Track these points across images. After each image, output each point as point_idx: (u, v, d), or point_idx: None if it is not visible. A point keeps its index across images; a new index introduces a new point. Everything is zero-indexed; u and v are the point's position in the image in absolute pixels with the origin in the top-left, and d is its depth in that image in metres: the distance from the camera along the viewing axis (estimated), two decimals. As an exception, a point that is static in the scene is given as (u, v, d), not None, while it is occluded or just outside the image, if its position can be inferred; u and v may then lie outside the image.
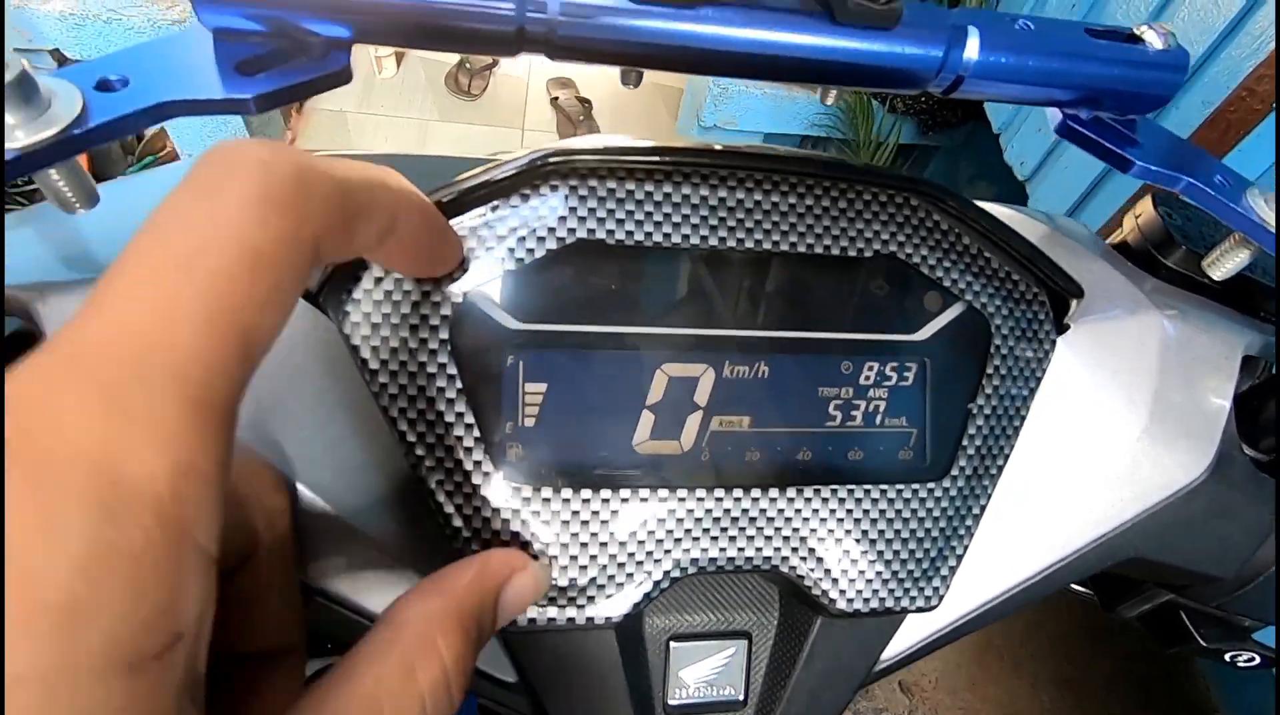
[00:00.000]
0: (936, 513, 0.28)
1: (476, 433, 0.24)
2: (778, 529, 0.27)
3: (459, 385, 0.24)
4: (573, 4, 0.23)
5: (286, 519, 0.20)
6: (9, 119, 0.18)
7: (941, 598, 0.28)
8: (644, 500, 0.25)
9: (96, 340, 0.11)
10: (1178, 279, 0.36)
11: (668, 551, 0.26)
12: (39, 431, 0.11)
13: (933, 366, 0.28)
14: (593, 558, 0.25)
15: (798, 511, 0.27)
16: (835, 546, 0.27)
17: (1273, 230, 0.28)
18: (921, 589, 0.28)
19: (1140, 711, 1.31)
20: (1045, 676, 1.32)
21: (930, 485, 0.28)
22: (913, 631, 0.30)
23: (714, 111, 1.72)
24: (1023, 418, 0.29)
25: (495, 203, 0.24)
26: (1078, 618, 1.38)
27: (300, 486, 0.23)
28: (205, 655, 0.13)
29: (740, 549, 0.26)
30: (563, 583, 0.25)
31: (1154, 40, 0.27)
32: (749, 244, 0.26)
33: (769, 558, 0.27)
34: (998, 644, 1.34)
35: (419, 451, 0.24)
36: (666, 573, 0.26)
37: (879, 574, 0.28)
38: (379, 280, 0.23)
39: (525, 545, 0.25)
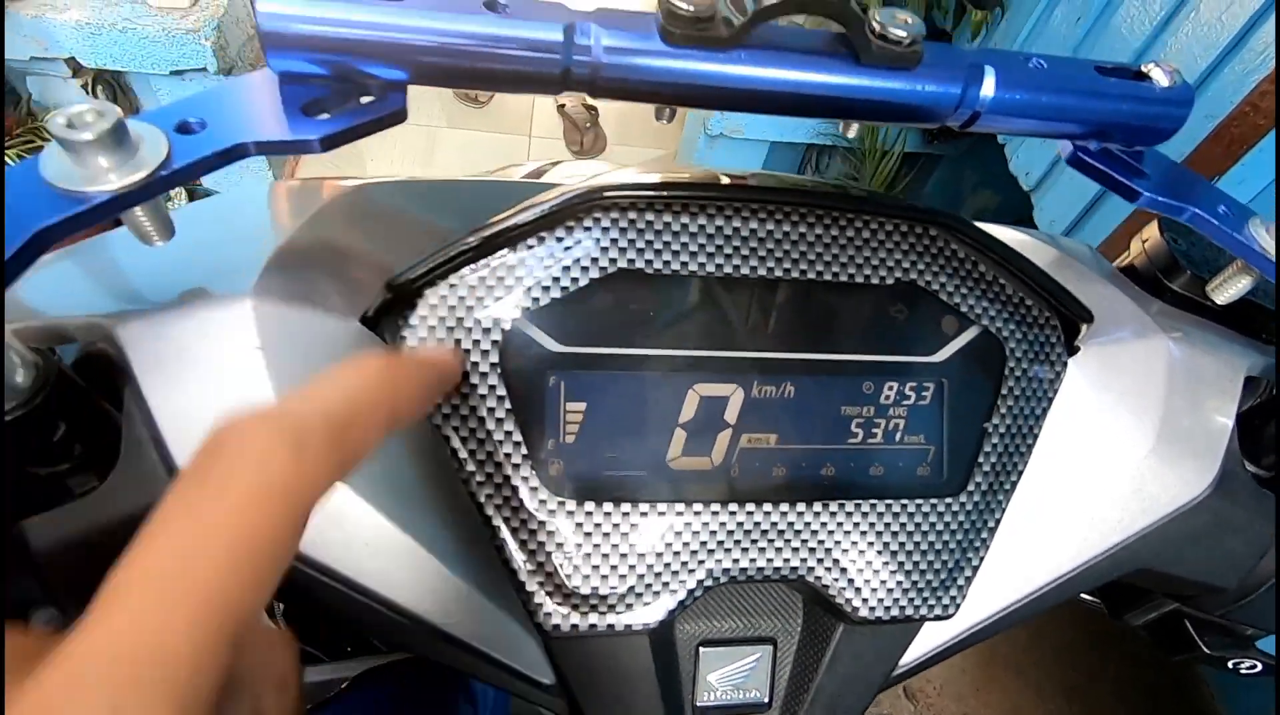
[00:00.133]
0: (954, 526, 0.29)
1: (524, 450, 0.25)
2: (804, 541, 0.28)
3: (508, 405, 0.25)
4: (615, 47, 0.24)
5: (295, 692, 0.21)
6: (103, 163, 0.20)
7: (958, 607, 0.30)
8: (678, 513, 0.27)
9: (104, 655, 0.13)
10: (1183, 302, 0.37)
11: (701, 562, 0.27)
12: None
13: (950, 387, 0.30)
14: (631, 568, 0.26)
15: (822, 524, 0.28)
16: (857, 557, 0.29)
17: (1273, 259, 0.29)
18: (939, 598, 0.30)
19: (1145, 718, 1.32)
20: (1051, 684, 1.32)
21: (948, 500, 0.29)
22: (929, 639, 0.31)
23: (721, 119, 1.73)
24: (1035, 436, 0.31)
25: (542, 234, 0.25)
26: (1082, 625, 1.39)
27: (358, 497, 0.24)
28: None
29: (769, 560, 0.28)
30: (603, 591, 0.26)
31: (1160, 78, 0.28)
32: (778, 273, 0.27)
33: (795, 568, 0.28)
34: (1002, 651, 1.35)
35: (469, 467, 0.25)
36: (700, 582, 0.27)
37: (899, 584, 0.29)
38: (434, 307, 0.25)
39: (566, 555, 0.26)
